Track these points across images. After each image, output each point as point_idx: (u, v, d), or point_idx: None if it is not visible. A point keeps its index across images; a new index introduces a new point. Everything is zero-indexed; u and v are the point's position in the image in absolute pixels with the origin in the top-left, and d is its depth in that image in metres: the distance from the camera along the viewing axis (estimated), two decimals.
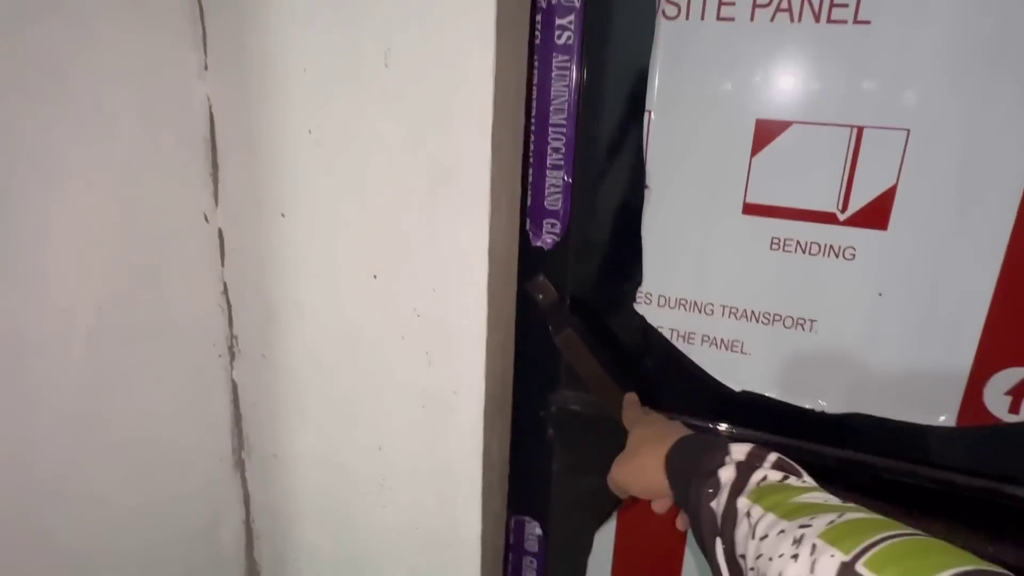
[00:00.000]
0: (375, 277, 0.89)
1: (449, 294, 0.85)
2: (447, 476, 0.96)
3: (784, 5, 0.71)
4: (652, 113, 0.80)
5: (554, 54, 0.80)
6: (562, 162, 0.84)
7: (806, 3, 0.70)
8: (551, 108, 0.83)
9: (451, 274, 0.84)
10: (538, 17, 0.80)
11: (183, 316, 0.96)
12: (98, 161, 0.79)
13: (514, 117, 0.82)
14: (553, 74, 0.81)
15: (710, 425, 0.90)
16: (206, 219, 0.95)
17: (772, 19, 0.72)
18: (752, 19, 0.72)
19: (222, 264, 1.00)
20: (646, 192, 0.82)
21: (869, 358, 0.79)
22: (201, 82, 0.89)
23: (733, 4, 0.72)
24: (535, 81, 0.82)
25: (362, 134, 0.82)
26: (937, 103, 0.69)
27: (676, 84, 0.78)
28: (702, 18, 0.74)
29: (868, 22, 0.69)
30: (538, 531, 1.06)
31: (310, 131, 0.86)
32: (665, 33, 0.76)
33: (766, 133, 0.75)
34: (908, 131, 0.70)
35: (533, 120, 0.84)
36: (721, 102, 0.76)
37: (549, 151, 0.85)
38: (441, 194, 0.81)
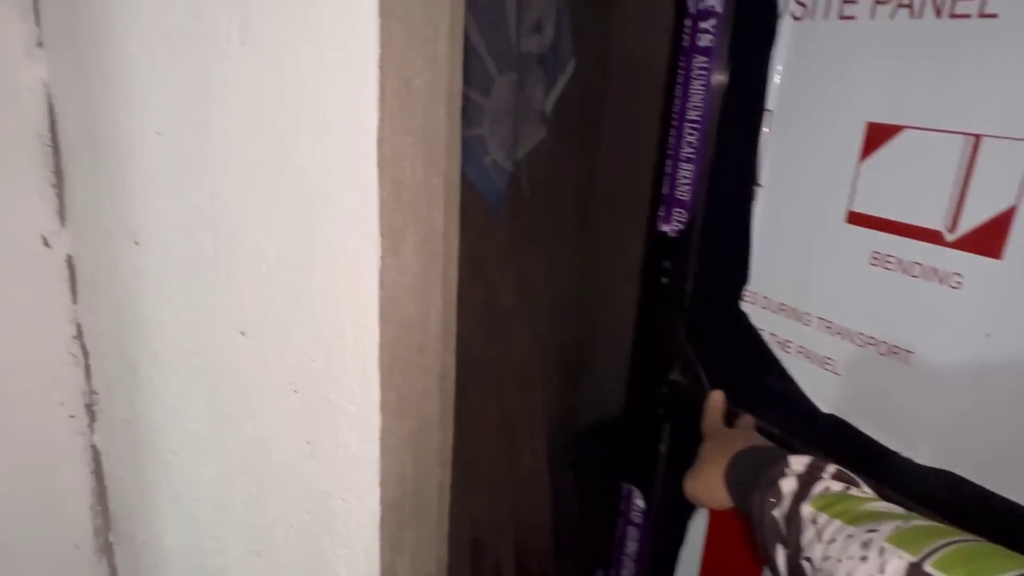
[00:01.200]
0: (243, 334, 0.65)
1: (330, 368, 0.61)
2: None
3: (905, 1, 0.66)
4: (772, 113, 0.80)
5: (694, 56, 0.85)
6: (694, 155, 0.88)
7: None
8: (688, 105, 0.87)
9: (331, 341, 0.60)
10: (686, 21, 0.85)
11: (12, 365, 0.74)
12: None
13: (434, 116, 0.57)
14: (693, 74, 0.86)
15: (793, 443, 0.82)
16: (46, 242, 0.73)
17: (892, 16, 0.68)
18: (872, 16, 0.69)
19: (74, 300, 0.77)
20: (757, 190, 0.82)
21: (971, 410, 0.67)
22: (32, 62, 0.67)
23: (855, 2, 0.70)
24: (679, 80, 0.88)
25: (215, 136, 0.59)
26: None
27: (796, 84, 0.77)
28: (826, 17, 0.73)
29: (995, 15, 0.61)
30: (641, 503, 1.07)
31: (158, 132, 0.63)
32: (790, 33, 0.77)
33: (876, 137, 0.70)
34: None
35: (674, 115, 0.89)
36: (834, 103, 0.74)
37: (683, 144, 0.89)
38: (315, 227, 0.57)
